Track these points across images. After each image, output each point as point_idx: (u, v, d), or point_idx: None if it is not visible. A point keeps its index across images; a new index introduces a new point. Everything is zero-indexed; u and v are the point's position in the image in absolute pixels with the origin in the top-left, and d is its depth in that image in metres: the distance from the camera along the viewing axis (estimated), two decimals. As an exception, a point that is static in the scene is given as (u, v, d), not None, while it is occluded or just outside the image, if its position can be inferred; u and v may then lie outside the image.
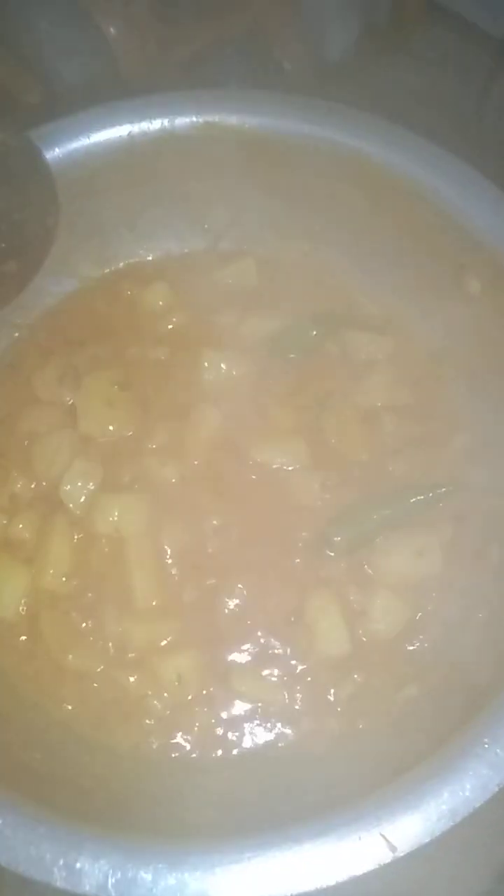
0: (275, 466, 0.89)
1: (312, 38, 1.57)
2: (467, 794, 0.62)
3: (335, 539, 0.85)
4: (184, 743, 0.81)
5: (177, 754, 0.80)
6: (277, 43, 1.45)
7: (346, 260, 0.97)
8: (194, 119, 0.87)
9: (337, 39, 1.60)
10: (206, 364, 0.92)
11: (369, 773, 0.70)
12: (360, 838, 0.61)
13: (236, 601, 0.84)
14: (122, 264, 0.99)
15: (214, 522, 0.87)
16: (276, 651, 0.83)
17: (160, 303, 0.97)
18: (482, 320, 0.87)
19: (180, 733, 0.81)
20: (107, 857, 0.61)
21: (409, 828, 0.61)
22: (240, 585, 0.85)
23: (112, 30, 1.12)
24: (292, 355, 0.94)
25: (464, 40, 1.69)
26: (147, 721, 0.81)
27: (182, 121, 0.87)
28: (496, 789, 0.62)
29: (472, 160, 1.46)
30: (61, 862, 0.60)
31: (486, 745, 0.63)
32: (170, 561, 0.86)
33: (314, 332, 0.93)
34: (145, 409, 0.92)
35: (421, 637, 0.84)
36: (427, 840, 0.61)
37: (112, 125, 0.86)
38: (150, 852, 0.61)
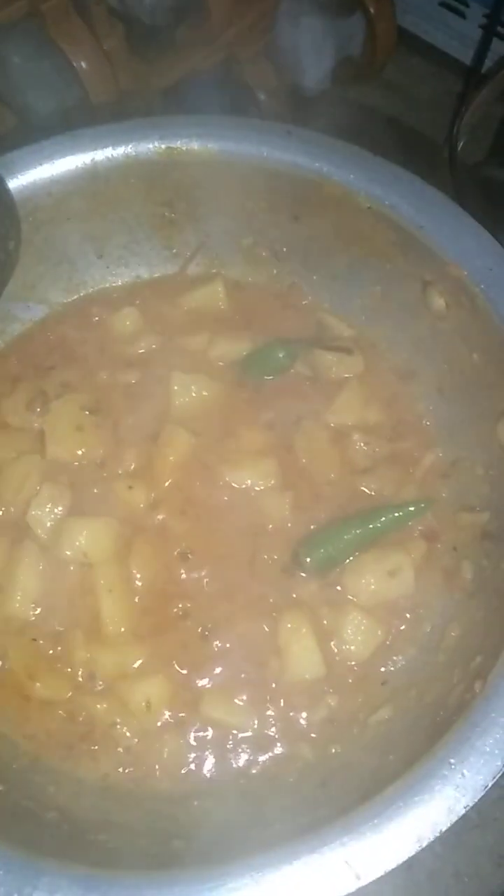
0: (245, 487, 0.89)
1: (287, 69, 1.60)
2: (433, 817, 0.61)
3: (307, 560, 0.84)
4: (153, 771, 0.79)
5: (145, 783, 0.78)
6: (252, 73, 1.48)
7: (313, 281, 0.97)
8: (156, 145, 0.88)
9: (311, 69, 1.62)
10: (175, 387, 0.92)
11: (338, 799, 0.69)
12: (323, 866, 0.59)
13: (207, 625, 0.83)
14: (91, 290, 1.00)
15: (184, 545, 0.86)
16: (247, 675, 0.82)
17: (129, 327, 0.98)
18: (449, 337, 0.87)
19: (149, 761, 0.79)
20: (63, 891, 0.59)
21: (374, 854, 0.60)
22: (210, 609, 0.84)
23: (83, 64, 1.14)
24: (263, 377, 0.94)
25: (436, 68, 1.72)
26: (115, 749, 0.80)
27: (144, 147, 0.87)
28: (463, 811, 0.61)
29: (443, 183, 1.48)
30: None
31: (453, 766, 0.62)
32: (139, 585, 0.84)
33: (283, 354, 0.93)
34: (115, 433, 0.92)
35: (394, 658, 0.83)
36: (392, 866, 0.59)
37: (75, 152, 0.87)
38: (108, 885, 0.60)
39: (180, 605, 0.84)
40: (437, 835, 0.60)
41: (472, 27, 1.61)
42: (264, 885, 0.59)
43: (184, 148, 0.87)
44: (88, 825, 0.72)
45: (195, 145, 0.87)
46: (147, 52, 1.31)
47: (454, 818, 0.60)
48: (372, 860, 0.59)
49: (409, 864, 0.92)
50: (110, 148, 0.87)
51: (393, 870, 0.60)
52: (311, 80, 1.64)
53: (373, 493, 0.89)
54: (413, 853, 0.59)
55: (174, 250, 0.99)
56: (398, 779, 0.64)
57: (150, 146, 0.87)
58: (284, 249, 0.96)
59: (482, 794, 0.61)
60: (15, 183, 0.86)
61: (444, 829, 0.60)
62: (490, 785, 0.61)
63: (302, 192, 0.88)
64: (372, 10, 1.57)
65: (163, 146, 0.87)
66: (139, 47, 1.29)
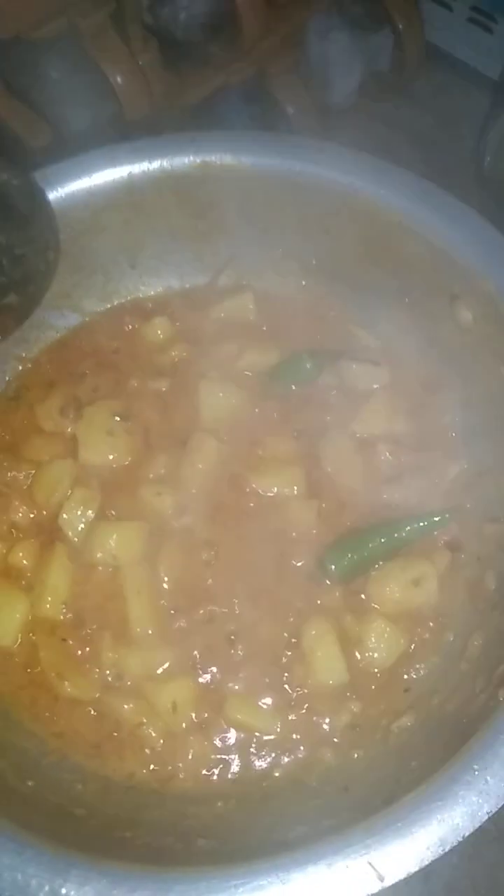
0: (271, 495, 0.90)
1: (316, 84, 1.62)
2: (457, 821, 0.61)
3: (331, 567, 0.86)
4: (177, 772, 0.80)
5: (170, 783, 0.79)
6: (281, 88, 1.50)
7: (341, 293, 0.99)
8: (192, 159, 0.90)
9: (340, 84, 1.64)
10: (204, 396, 0.93)
11: (361, 803, 0.70)
12: (347, 867, 0.60)
13: (232, 629, 0.85)
14: (124, 299, 1.02)
15: (211, 551, 0.88)
16: (272, 679, 0.83)
17: (161, 336, 1.00)
18: (475, 350, 0.88)
19: (174, 762, 0.81)
20: (92, 883, 0.61)
21: (397, 856, 0.61)
22: (236, 613, 0.85)
23: (119, 79, 1.17)
24: (290, 387, 0.96)
25: (463, 83, 1.73)
26: (141, 749, 0.81)
27: (180, 161, 0.90)
28: (486, 817, 0.61)
29: (470, 198, 1.49)
30: (46, 888, 0.60)
31: (476, 772, 0.63)
32: (166, 588, 0.86)
33: (310, 365, 0.95)
34: (145, 439, 0.94)
35: (417, 666, 0.84)
36: (415, 869, 0.60)
37: (112, 166, 0.90)
38: (136, 880, 0.61)
39: (207, 609, 0.85)
40: (460, 839, 0.61)
41: (499, 43, 1.62)
42: (290, 884, 0.60)
43: (218, 162, 0.89)
44: (115, 822, 0.74)
45: (229, 159, 0.89)
46: (180, 67, 1.33)
47: (477, 823, 0.61)
48: (395, 862, 0.60)
49: (427, 875, 0.94)
50: (146, 162, 0.90)
51: (410, 881, 0.61)
52: (340, 95, 1.66)
53: (398, 503, 0.90)
54: (436, 856, 0.60)
55: (205, 261, 1.01)
56: (421, 783, 0.64)
57: (186, 160, 0.90)
58: (314, 262, 0.98)
59: (505, 801, 0.62)
60: (54, 195, 0.88)
61: (466, 833, 0.61)
62: (514, 792, 0.62)
63: (333, 206, 0.90)
64: (401, 26, 1.59)
65: (198, 160, 0.89)
66: (172, 62, 1.32)
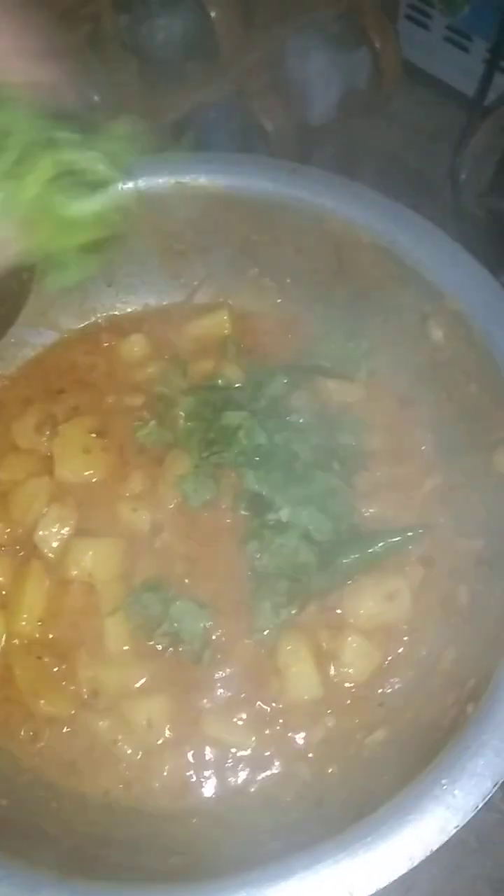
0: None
1: (294, 102, 1.64)
2: (425, 836, 0.62)
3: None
4: (153, 788, 0.80)
5: (145, 800, 0.80)
6: (259, 107, 1.52)
7: (316, 310, 1.00)
8: (166, 179, 0.91)
9: (318, 102, 1.67)
10: (180, 411, 0.94)
11: (334, 818, 0.70)
12: (318, 882, 0.61)
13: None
14: (100, 317, 1.03)
15: (187, 567, 0.88)
16: (247, 695, 0.84)
17: (137, 353, 1.01)
18: (447, 367, 0.89)
19: (150, 778, 0.81)
20: (64, 902, 0.61)
21: (366, 871, 0.61)
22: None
23: (95, 98, 1.18)
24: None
25: (440, 101, 1.76)
26: (117, 766, 0.81)
27: (154, 181, 0.91)
28: (454, 831, 0.62)
29: (446, 214, 1.51)
30: (18, 907, 0.60)
31: (445, 787, 0.63)
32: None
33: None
34: (121, 456, 0.95)
35: (391, 680, 0.85)
36: (384, 884, 0.60)
37: (87, 186, 0.90)
38: (108, 898, 0.61)
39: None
40: (428, 854, 0.61)
41: (475, 61, 1.65)
42: (259, 900, 0.60)
43: (192, 183, 0.90)
44: (90, 840, 0.74)
45: (203, 180, 0.90)
46: (158, 85, 1.35)
47: (445, 838, 0.62)
48: (364, 877, 0.61)
49: (408, 889, 0.94)
50: (120, 183, 0.90)
51: (391, 893, 0.61)
52: (318, 113, 1.68)
53: (372, 518, 0.91)
54: (404, 871, 0.61)
55: (182, 279, 1.02)
56: (392, 798, 0.65)
57: (160, 181, 0.91)
58: (288, 280, 0.99)
59: (472, 814, 0.63)
60: (29, 214, 0.89)
61: (434, 848, 0.61)
62: (480, 806, 0.63)
63: (305, 226, 0.91)
64: (378, 45, 1.62)
65: (172, 181, 0.91)
66: (150, 81, 1.33)
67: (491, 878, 1.05)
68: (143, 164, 0.91)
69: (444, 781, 0.64)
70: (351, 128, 1.77)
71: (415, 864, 0.61)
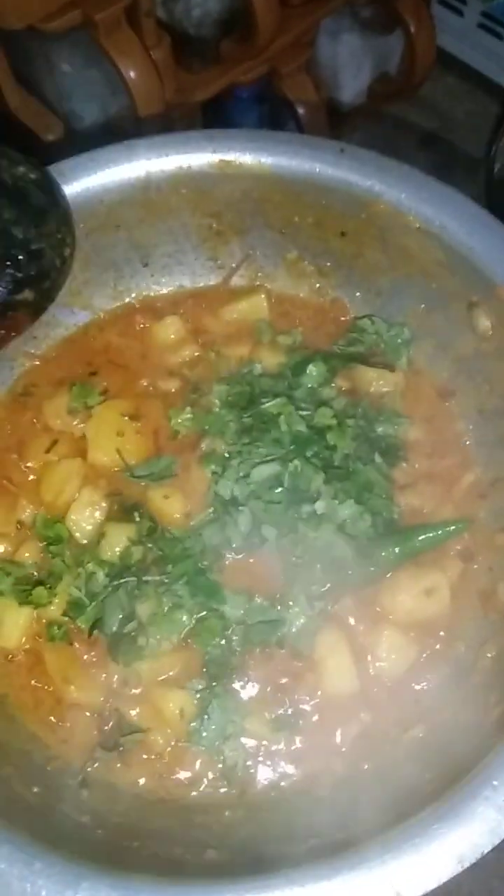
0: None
1: (325, 83, 1.61)
2: (475, 838, 0.61)
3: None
4: (184, 780, 0.79)
5: (177, 791, 0.78)
6: (292, 88, 1.49)
7: (356, 296, 0.98)
8: (210, 157, 0.88)
9: (349, 85, 1.64)
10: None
11: (374, 817, 0.69)
12: (365, 883, 0.59)
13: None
14: (135, 298, 1.01)
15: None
16: (282, 688, 0.82)
17: (172, 336, 0.98)
18: (492, 358, 0.87)
19: (181, 769, 0.79)
20: (104, 894, 0.59)
21: (415, 873, 0.60)
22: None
23: (132, 73, 1.15)
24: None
25: (472, 89, 1.73)
26: (148, 756, 0.80)
27: (198, 158, 0.88)
28: (505, 834, 0.61)
29: (479, 204, 1.48)
30: (57, 899, 0.59)
31: (496, 787, 0.62)
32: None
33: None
34: (154, 440, 0.93)
35: (428, 676, 0.83)
36: (433, 886, 0.59)
37: (129, 161, 0.88)
38: (148, 891, 0.60)
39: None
40: (479, 856, 0.60)
41: (510, 49, 1.62)
42: (305, 899, 0.59)
43: (237, 161, 0.88)
44: (122, 831, 0.72)
45: (248, 159, 0.88)
46: (192, 63, 1.32)
47: (496, 840, 0.61)
48: (413, 879, 0.59)
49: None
50: (164, 158, 0.88)
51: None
52: (349, 96, 1.66)
53: (411, 511, 0.89)
54: (454, 874, 0.59)
55: (219, 261, 1.00)
56: (438, 798, 0.64)
57: (204, 158, 0.88)
58: (329, 264, 0.97)
59: (525, 817, 0.61)
60: (69, 190, 0.87)
61: (486, 850, 0.60)
62: (534, 808, 0.61)
63: (351, 209, 0.89)
64: (412, 28, 1.58)
65: (216, 158, 0.88)
66: (185, 59, 1.30)
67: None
68: (186, 140, 0.89)
69: (494, 783, 0.62)
70: (380, 113, 1.75)
71: (465, 866, 0.60)
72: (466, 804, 0.62)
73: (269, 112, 1.55)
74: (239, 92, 1.47)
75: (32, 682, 0.83)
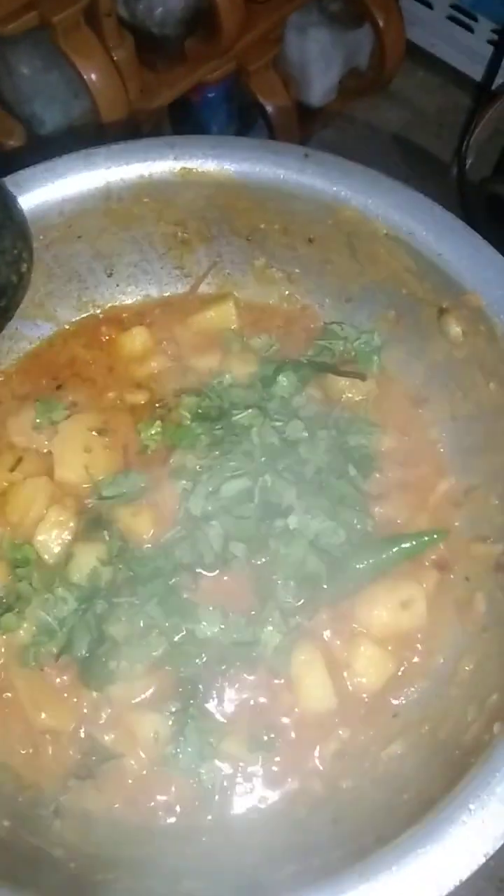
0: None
1: (294, 80, 1.59)
2: (454, 865, 0.60)
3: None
4: (160, 805, 0.77)
5: (153, 817, 0.77)
6: (260, 86, 1.47)
7: (326, 303, 0.96)
8: (172, 164, 0.86)
9: (319, 82, 1.62)
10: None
11: (351, 838, 0.68)
12: (341, 914, 0.58)
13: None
14: (100, 309, 0.98)
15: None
16: (259, 707, 0.81)
17: (139, 347, 0.96)
18: (464, 365, 0.86)
19: (157, 794, 0.78)
20: (74, 937, 0.58)
21: (392, 902, 0.58)
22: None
23: (93, 76, 1.12)
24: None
25: (443, 82, 1.72)
26: (123, 782, 0.78)
27: (159, 166, 0.86)
28: (483, 859, 0.60)
29: (450, 198, 1.47)
30: (25, 943, 0.57)
31: (472, 812, 0.61)
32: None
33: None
34: (123, 455, 0.91)
35: (406, 690, 0.82)
36: (411, 916, 0.58)
37: (88, 170, 0.85)
38: (120, 931, 0.58)
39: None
40: (458, 883, 0.59)
41: (479, 42, 1.60)
42: (281, 933, 0.58)
43: (199, 169, 0.86)
44: (96, 864, 0.71)
45: (211, 166, 0.86)
46: (156, 63, 1.29)
47: (475, 866, 0.60)
48: (391, 909, 0.58)
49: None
50: (125, 166, 0.86)
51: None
52: (318, 92, 1.63)
53: (386, 521, 0.87)
54: (433, 902, 0.58)
55: (185, 270, 0.97)
56: (415, 823, 0.63)
57: (165, 166, 0.86)
58: (297, 271, 0.95)
59: (503, 841, 0.60)
60: (26, 201, 0.84)
61: (464, 877, 0.59)
62: (511, 833, 0.60)
63: (317, 215, 0.87)
64: (381, 23, 1.56)
65: (178, 166, 0.86)
66: (149, 58, 1.28)
67: (493, 877, 1.04)
68: (147, 147, 0.86)
69: (471, 807, 0.61)
70: (351, 108, 1.73)
71: (443, 894, 0.58)
72: (444, 829, 0.61)
73: (239, 111, 1.53)
74: (207, 91, 1.45)
75: (3, 709, 0.80)
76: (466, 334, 0.84)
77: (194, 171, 0.86)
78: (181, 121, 1.44)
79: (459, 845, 0.60)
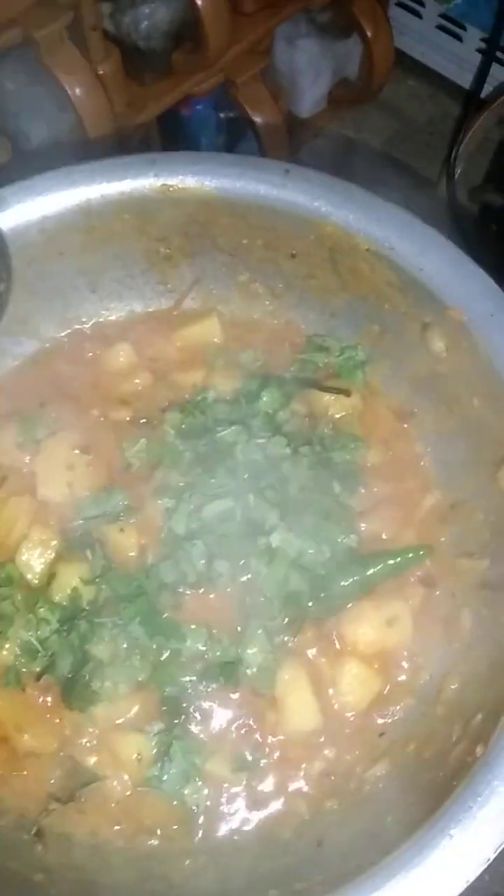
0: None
1: (283, 91, 1.59)
2: (435, 890, 0.59)
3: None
4: (143, 827, 0.77)
5: (136, 840, 0.76)
6: (248, 97, 1.46)
7: (310, 318, 0.96)
8: (152, 181, 0.86)
9: (308, 92, 1.62)
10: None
11: (334, 863, 0.67)
12: (320, 943, 0.58)
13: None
14: (84, 325, 0.98)
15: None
16: (243, 727, 0.80)
17: (123, 363, 0.96)
18: (448, 379, 0.85)
19: (140, 816, 0.77)
20: None
21: (372, 930, 0.58)
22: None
23: (77, 90, 1.12)
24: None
25: (432, 91, 1.72)
26: (105, 804, 0.77)
27: (139, 183, 0.85)
28: (464, 885, 0.59)
29: (441, 209, 1.47)
30: None
31: (453, 837, 0.60)
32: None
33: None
34: (107, 472, 0.90)
35: (392, 709, 0.81)
36: (391, 944, 0.57)
37: (68, 189, 0.85)
38: None
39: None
40: (439, 910, 0.58)
41: (468, 50, 1.61)
42: None
43: (180, 185, 0.85)
44: (77, 889, 0.70)
45: (191, 182, 0.85)
46: (143, 76, 1.29)
47: (457, 892, 0.59)
48: (370, 937, 0.57)
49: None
50: (105, 184, 0.85)
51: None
52: (308, 103, 1.64)
53: (371, 537, 0.87)
54: (413, 930, 0.58)
55: (169, 285, 0.97)
56: (396, 848, 0.62)
57: (146, 183, 0.86)
58: (281, 286, 0.95)
59: (484, 866, 0.59)
60: (6, 218, 0.84)
61: (445, 904, 0.58)
62: (492, 858, 0.59)
63: (299, 230, 0.86)
64: (369, 33, 1.56)
65: (158, 183, 0.85)
66: (135, 72, 1.28)
67: (488, 891, 1.03)
68: (127, 164, 0.86)
69: (452, 832, 0.60)
70: (341, 117, 1.73)
71: (423, 921, 0.58)
72: (425, 854, 0.60)
73: (228, 122, 1.53)
74: (195, 104, 1.45)
75: (-16, 731, 0.80)
76: (450, 349, 0.83)
77: (175, 187, 0.86)
78: (170, 133, 1.44)
79: (441, 871, 0.59)
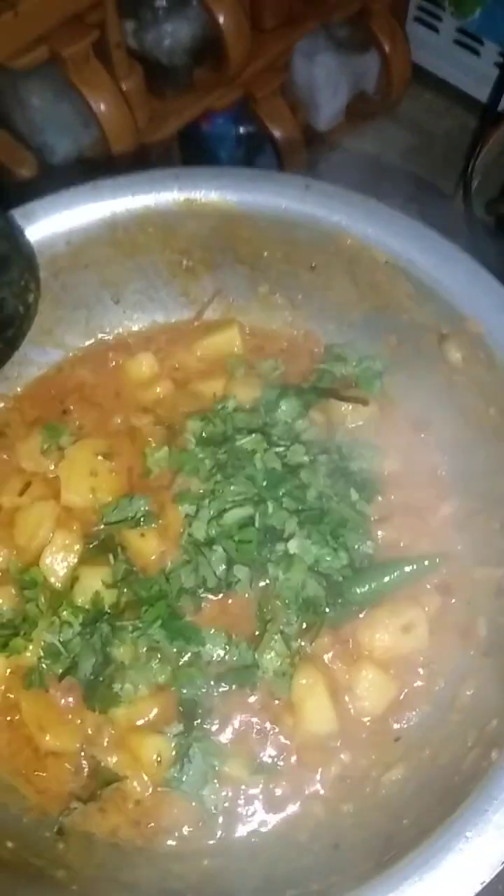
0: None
1: (302, 105, 1.62)
2: (450, 893, 0.60)
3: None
4: (163, 827, 0.78)
5: (155, 839, 0.77)
6: (267, 111, 1.49)
7: (328, 329, 0.97)
8: (175, 196, 0.88)
9: (326, 106, 1.64)
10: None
11: (351, 864, 0.68)
12: (337, 941, 0.59)
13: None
14: (107, 335, 1.00)
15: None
16: (261, 731, 0.82)
17: (145, 372, 0.98)
18: (464, 390, 0.87)
19: (159, 816, 0.79)
20: None
21: (388, 930, 0.59)
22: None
23: (101, 106, 1.15)
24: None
25: (449, 104, 1.74)
26: (125, 804, 0.79)
27: (163, 197, 0.88)
28: (479, 887, 0.60)
29: (458, 221, 1.48)
30: None
31: (469, 840, 0.61)
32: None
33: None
34: (128, 479, 0.92)
35: (407, 714, 0.82)
36: (407, 943, 0.58)
37: (94, 202, 0.88)
38: None
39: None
40: (454, 911, 0.59)
41: (486, 65, 1.63)
42: None
43: (202, 199, 0.88)
44: (97, 886, 0.72)
45: (214, 196, 0.87)
46: (165, 92, 1.32)
47: (472, 894, 0.60)
48: (386, 936, 0.59)
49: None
50: (129, 198, 0.88)
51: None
52: (326, 117, 1.66)
53: (388, 544, 0.88)
54: (428, 930, 0.59)
55: (191, 296, 0.99)
56: (412, 850, 0.63)
57: (169, 197, 0.88)
58: (300, 297, 0.96)
59: (499, 869, 0.60)
60: (34, 231, 0.86)
61: (460, 906, 0.59)
62: (507, 860, 0.60)
63: (319, 243, 0.88)
64: (387, 48, 1.59)
65: (182, 197, 0.88)
66: (157, 87, 1.31)
67: (492, 891, 1.03)
68: (151, 179, 0.88)
69: (468, 834, 0.61)
70: (358, 131, 1.75)
71: (439, 922, 0.59)
72: (441, 857, 0.61)
73: (247, 136, 1.55)
74: (215, 118, 1.48)
75: (7, 730, 0.82)
76: (466, 360, 0.85)
77: (198, 201, 0.88)
78: (190, 147, 1.47)
79: (456, 873, 0.60)
